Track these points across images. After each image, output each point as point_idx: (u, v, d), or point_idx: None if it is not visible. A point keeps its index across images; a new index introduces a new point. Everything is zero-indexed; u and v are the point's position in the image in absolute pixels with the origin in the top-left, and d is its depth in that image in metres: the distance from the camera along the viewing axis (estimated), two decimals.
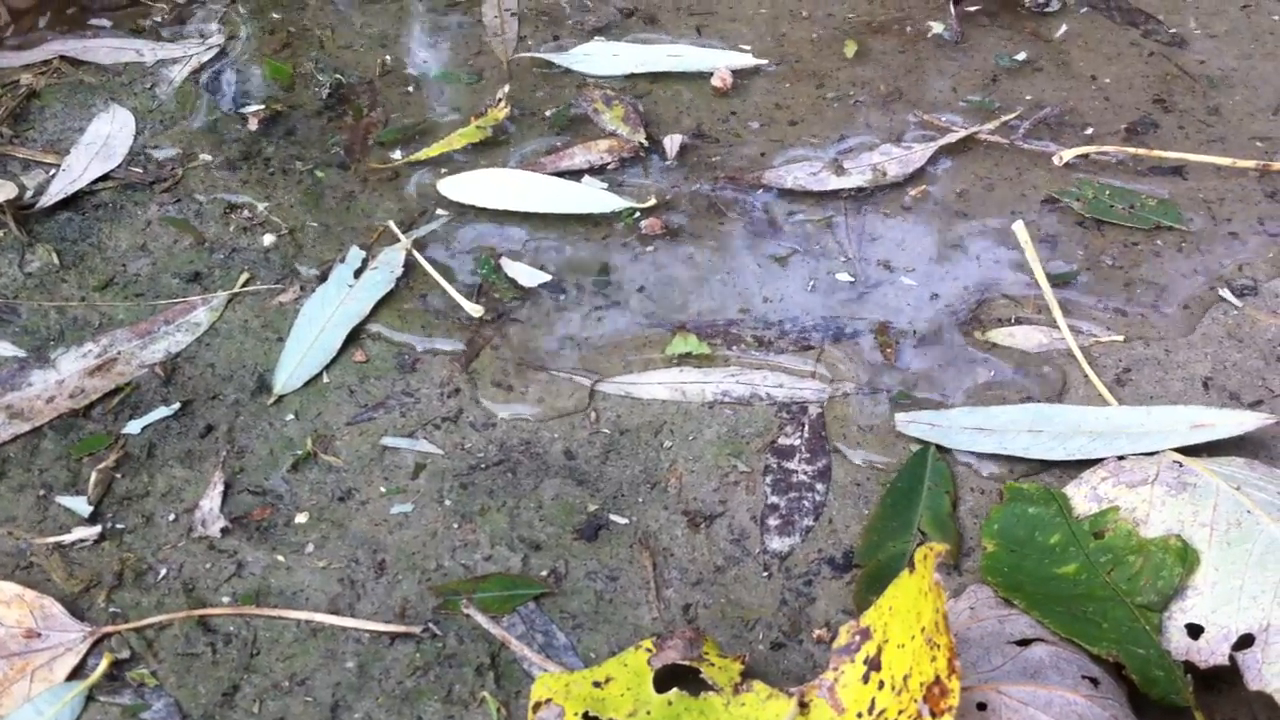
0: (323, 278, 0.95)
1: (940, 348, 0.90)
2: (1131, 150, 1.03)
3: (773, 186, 1.01)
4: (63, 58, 1.14)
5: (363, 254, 0.97)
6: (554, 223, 0.99)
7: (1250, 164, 1.02)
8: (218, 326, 0.92)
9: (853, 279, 0.94)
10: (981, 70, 1.13)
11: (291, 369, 0.89)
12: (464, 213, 1.00)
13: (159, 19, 1.20)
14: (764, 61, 1.14)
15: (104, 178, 1.03)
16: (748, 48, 1.16)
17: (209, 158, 1.06)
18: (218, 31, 1.18)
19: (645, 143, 1.05)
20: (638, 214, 0.99)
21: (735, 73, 1.13)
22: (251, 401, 0.87)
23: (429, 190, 1.02)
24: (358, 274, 0.95)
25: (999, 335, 0.90)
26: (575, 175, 1.03)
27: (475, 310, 0.92)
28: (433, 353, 0.90)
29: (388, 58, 1.16)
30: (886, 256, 0.96)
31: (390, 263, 0.96)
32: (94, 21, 1.19)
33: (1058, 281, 0.94)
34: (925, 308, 0.92)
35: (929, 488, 0.80)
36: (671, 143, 1.04)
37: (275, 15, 1.20)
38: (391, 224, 0.99)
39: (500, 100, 1.09)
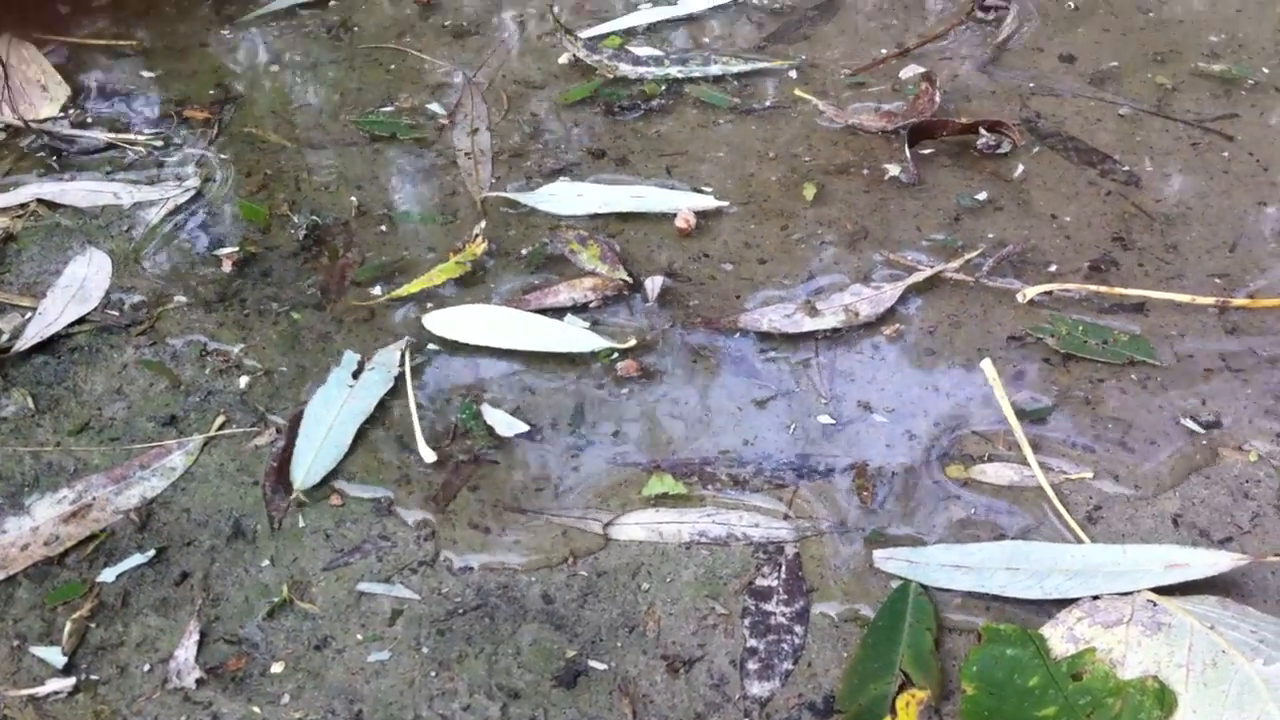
0: (296, 422, 0.95)
1: (915, 485, 0.90)
2: (1093, 288, 1.05)
3: (749, 330, 1.02)
4: (40, 201, 1.15)
5: (358, 357, 0.98)
6: (535, 360, 1.00)
7: (1209, 300, 1.04)
8: (193, 471, 0.92)
9: (828, 419, 0.95)
10: (944, 209, 1.15)
11: (308, 465, 0.90)
12: (447, 347, 1.01)
13: (136, 162, 1.21)
14: (725, 203, 1.16)
15: (80, 321, 1.03)
16: (709, 189, 1.18)
17: (185, 299, 1.06)
18: (194, 174, 1.19)
19: (627, 279, 1.06)
20: (615, 355, 1.00)
21: (699, 214, 1.15)
22: (227, 547, 0.87)
23: (412, 325, 1.03)
24: (356, 375, 0.97)
25: (972, 472, 0.91)
26: (558, 312, 1.04)
27: (429, 455, 0.92)
28: (408, 495, 0.90)
29: (363, 198, 1.17)
30: (861, 395, 0.97)
31: (387, 363, 0.98)
32: (72, 164, 1.20)
33: (1027, 417, 0.95)
34: (899, 445, 0.93)
35: (910, 624, 0.80)
36: (653, 284, 1.06)
37: (252, 157, 1.21)
38: (388, 349, 1.00)
39: (478, 236, 1.10)
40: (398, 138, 1.22)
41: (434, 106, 1.26)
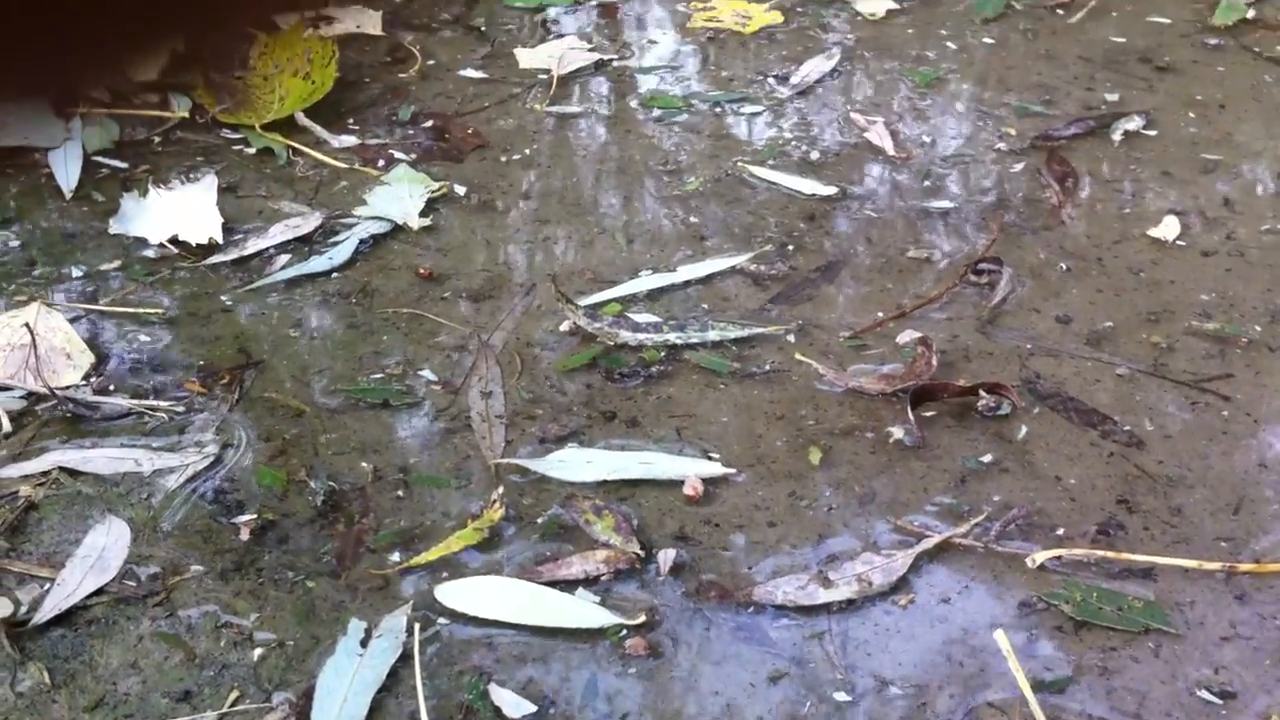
0: (308, 696, 0.95)
1: None
2: (1101, 552, 1.07)
3: (764, 604, 1.03)
4: (62, 468, 1.17)
5: (364, 625, 0.98)
6: (545, 635, 1.01)
7: (1216, 566, 1.05)
8: None
9: (844, 695, 0.95)
10: (949, 472, 1.17)
11: None
12: (458, 619, 1.02)
13: (158, 428, 1.24)
14: (732, 470, 1.18)
15: (98, 592, 1.04)
16: (716, 456, 1.20)
17: (201, 569, 1.07)
18: (214, 440, 1.22)
19: (640, 553, 1.08)
20: (624, 631, 1.01)
21: (707, 480, 1.17)
22: None
23: (426, 596, 1.04)
24: (364, 643, 0.97)
25: None
26: (570, 585, 1.05)
27: None
28: None
29: (379, 463, 1.19)
30: (876, 668, 0.98)
31: (395, 629, 0.98)
32: (94, 430, 1.23)
33: (1043, 689, 0.95)
34: (915, 719, 0.93)
35: None
36: (665, 558, 1.07)
37: (270, 422, 1.24)
38: (395, 616, 1.00)
39: (495, 502, 1.12)
40: (390, 404, 1.25)
41: (426, 373, 1.29)
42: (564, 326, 1.36)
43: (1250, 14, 1.98)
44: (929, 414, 1.24)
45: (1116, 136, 1.68)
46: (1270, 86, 1.80)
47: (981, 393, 1.24)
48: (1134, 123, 1.70)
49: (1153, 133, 1.70)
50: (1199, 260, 1.45)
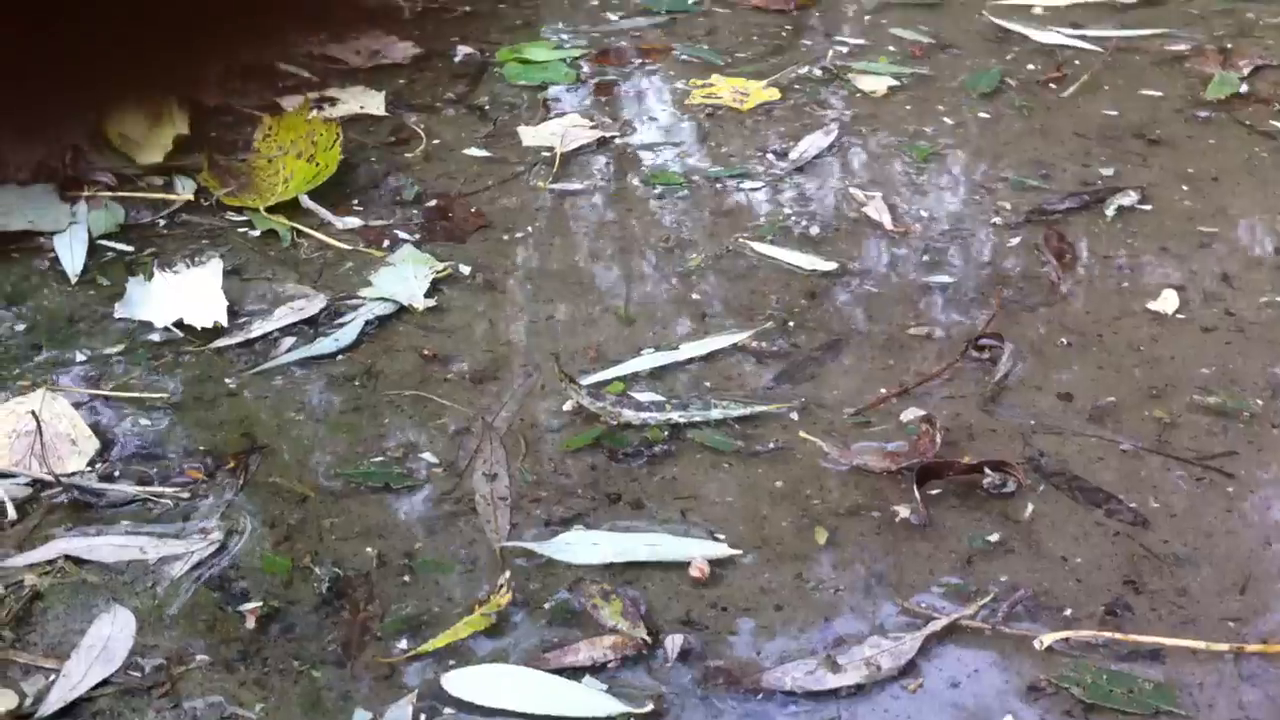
0: None
1: None
2: (1109, 634, 1.06)
3: (772, 689, 1.03)
4: (68, 557, 1.17)
5: (369, 715, 0.98)
6: None
7: (1224, 647, 1.05)
8: None
9: None
10: (955, 552, 1.17)
11: None
12: (465, 708, 1.01)
13: (163, 514, 1.23)
14: (738, 551, 1.18)
15: (103, 683, 1.04)
16: (722, 536, 1.20)
17: (206, 658, 1.07)
18: (219, 526, 1.21)
19: (647, 639, 1.07)
20: (632, 719, 1.00)
21: (713, 561, 1.17)
22: None
23: (433, 684, 1.03)
24: None
25: None
26: (577, 672, 1.05)
27: None
28: None
29: (384, 548, 1.19)
30: None
31: (401, 718, 0.98)
32: (99, 518, 1.22)
33: None
34: None
35: None
36: (672, 643, 1.07)
37: (275, 508, 1.24)
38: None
39: (502, 587, 1.12)
40: (394, 487, 1.25)
41: (430, 456, 1.29)
42: (567, 406, 1.36)
43: (1243, 89, 2.00)
44: (934, 492, 1.24)
45: (1111, 211, 1.69)
46: (1264, 160, 1.82)
47: (986, 470, 1.24)
48: (1129, 197, 1.71)
49: (1148, 207, 1.71)
50: (1199, 336, 1.45)
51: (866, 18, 2.35)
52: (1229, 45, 2.14)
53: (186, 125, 1.73)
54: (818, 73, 2.10)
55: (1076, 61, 2.13)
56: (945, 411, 1.34)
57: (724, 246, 1.65)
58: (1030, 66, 2.14)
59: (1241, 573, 1.14)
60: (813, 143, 1.91)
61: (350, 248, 1.59)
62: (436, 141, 1.88)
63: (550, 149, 1.87)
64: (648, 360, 1.43)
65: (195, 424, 1.32)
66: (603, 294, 1.56)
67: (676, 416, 1.34)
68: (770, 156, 1.87)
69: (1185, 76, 2.07)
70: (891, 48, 2.20)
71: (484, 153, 1.86)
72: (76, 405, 1.33)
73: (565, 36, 2.27)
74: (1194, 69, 2.08)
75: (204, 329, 1.43)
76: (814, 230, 1.68)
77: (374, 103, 1.93)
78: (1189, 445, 1.29)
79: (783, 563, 1.17)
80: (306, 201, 1.62)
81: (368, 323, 1.47)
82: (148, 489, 1.24)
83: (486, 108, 1.99)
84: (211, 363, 1.41)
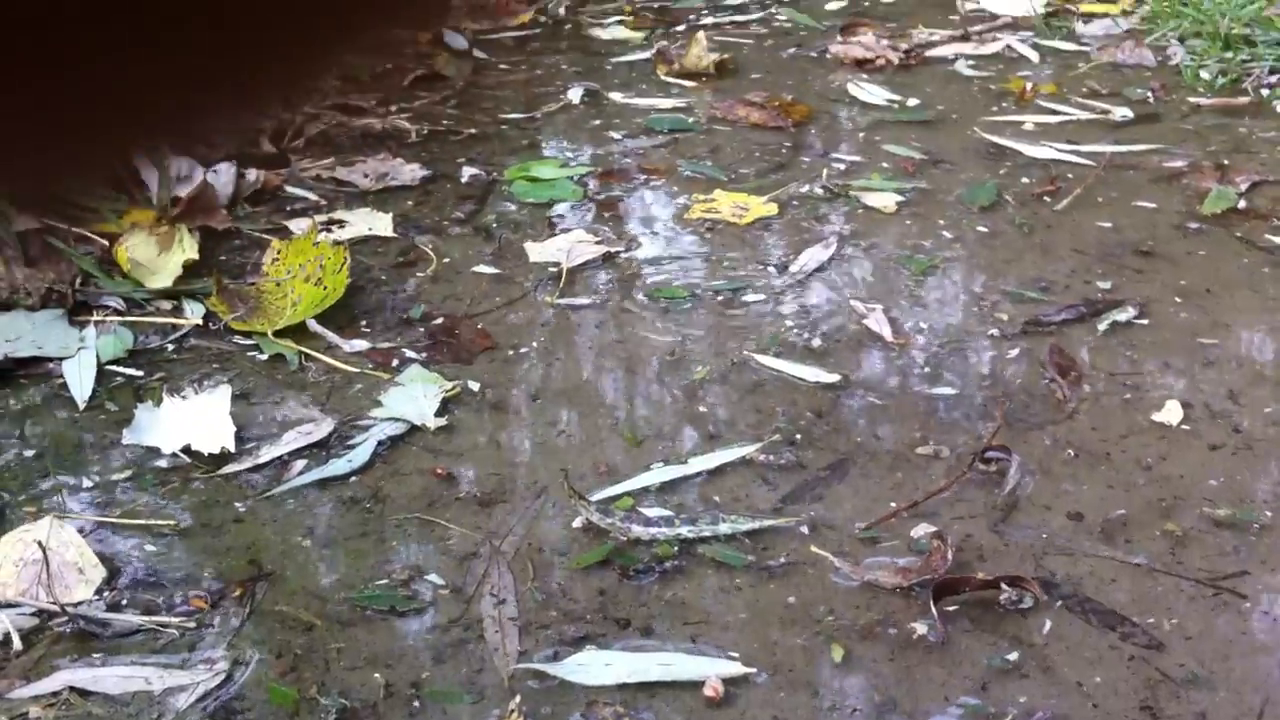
0: None
1: None
2: None
3: None
4: (72, 689, 1.14)
5: None
6: None
7: None
8: None
9: None
10: (970, 675, 1.15)
11: None
12: None
13: (169, 644, 1.21)
14: (752, 670, 1.16)
15: None
16: (736, 655, 1.18)
17: None
18: (225, 657, 1.19)
19: None
20: None
21: (727, 680, 1.14)
22: None
23: None
24: None
25: None
26: None
27: None
28: None
29: (391, 677, 1.16)
30: None
31: None
32: (104, 648, 1.20)
33: None
34: None
35: None
36: None
37: (282, 637, 1.21)
38: None
39: (513, 712, 1.09)
40: (401, 612, 1.23)
41: (437, 578, 1.27)
42: (577, 523, 1.35)
43: (1241, 204, 2.01)
44: (950, 608, 1.22)
45: (1106, 325, 1.68)
46: (1264, 275, 1.81)
47: (1003, 585, 1.22)
48: (1127, 312, 1.71)
49: (1145, 321, 1.70)
50: (1206, 454, 1.44)
51: (861, 134, 2.37)
52: (1225, 161, 2.15)
53: (196, 250, 1.73)
54: (818, 191, 2.11)
55: (1070, 175, 2.15)
56: (956, 531, 1.32)
57: (728, 360, 1.65)
58: (1025, 180, 2.15)
59: (1259, 695, 1.11)
60: (812, 256, 1.91)
61: (358, 370, 1.58)
62: (445, 261, 1.88)
63: (557, 264, 1.87)
64: (656, 475, 1.42)
65: (202, 551, 1.30)
66: (610, 409, 1.55)
67: (686, 532, 1.33)
68: (771, 270, 1.88)
69: (1181, 191, 2.08)
70: (886, 164, 2.22)
71: (491, 270, 1.86)
72: (84, 532, 1.31)
73: (570, 155, 2.29)
74: (1190, 184, 2.09)
75: (211, 454, 1.42)
76: (816, 342, 1.68)
77: (382, 224, 1.94)
78: (1201, 566, 1.27)
79: (797, 683, 1.14)
80: (314, 325, 1.62)
81: (380, 443, 1.45)
82: (153, 618, 1.22)
83: (494, 226, 2.00)
84: (219, 488, 1.39)
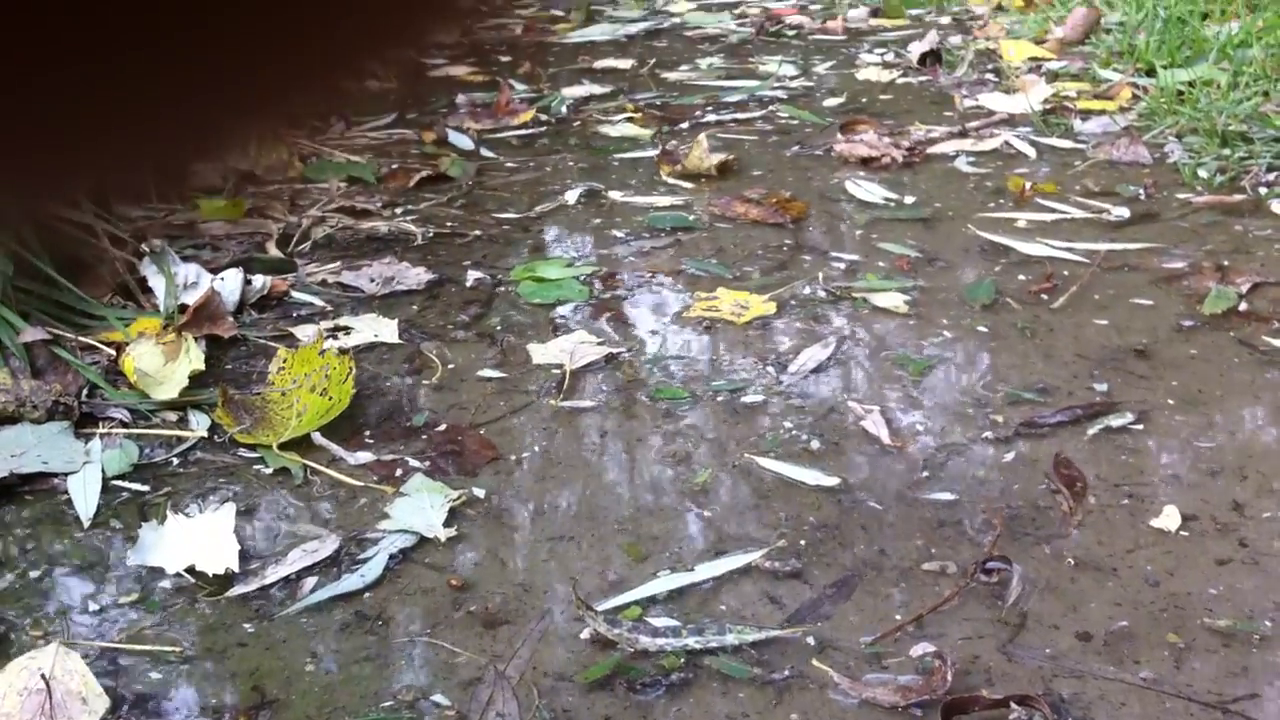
0: None
1: None
2: None
3: None
4: None
5: None
6: None
7: None
8: None
9: None
10: None
11: None
12: None
13: None
14: None
15: None
16: None
17: None
18: None
19: None
20: None
21: None
22: None
23: None
24: None
25: None
26: None
27: None
28: None
29: None
30: None
31: None
32: None
33: None
34: None
35: None
36: None
37: None
38: None
39: None
40: None
41: (439, 698, 1.24)
42: (584, 634, 1.32)
43: (1242, 306, 1.99)
44: None
45: (1100, 429, 1.66)
46: (1266, 379, 1.79)
47: (1012, 705, 1.19)
48: (1125, 417, 1.68)
49: (1140, 426, 1.68)
50: (1213, 568, 1.41)
51: (858, 232, 2.36)
52: (1225, 262, 2.13)
53: (202, 361, 1.71)
54: (821, 293, 2.09)
55: (1065, 273, 2.14)
56: (963, 650, 1.29)
57: (730, 462, 1.63)
58: (1021, 277, 2.14)
59: None
60: (811, 355, 1.90)
61: (362, 484, 1.55)
62: (451, 367, 1.86)
63: (560, 366, 1.85)
64: (663, 583, 1.40)
65: (205, 678, 1.27)
66: (616, 516, 1.52)
67: (693, 642, 1.30)
68: (770, 369, 1.86)
69: (1180, 291, 2.06)
70: (882, 263, 2.21)
71: (496, 373, 1.85)
72: (89, 658, 1.28)
73: (575, 254, 2.28)
74: (1189, 284, 2.07)
75: (216, 575, 1.39)
76: (815, 445, 1.66)
77: (387, 330, 1.92)
78: (1210, 685, 1.24)
79: None
80: (319, 439, 1.59)
81: (391, 556, 1.43)
82: None
83: (498, 329, 1.98)
84: (225, 610, 1.36)
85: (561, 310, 2.06)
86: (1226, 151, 2.57)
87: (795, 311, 2.04)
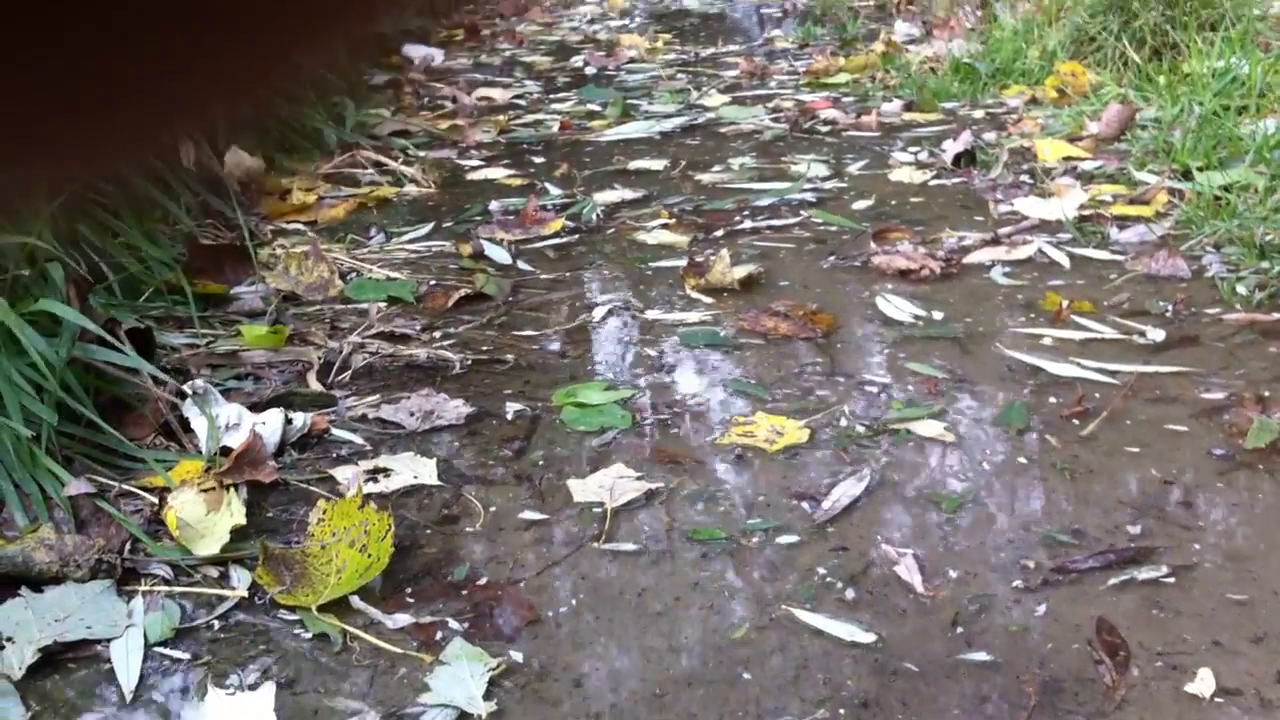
0: None
1: None
2: None
3: None
4: None
5: None
6: None
7: None
8: None
9: None
10: None
11: None
12: None
13: None
14: None
15: None
16: None
17: None
18: None
19: None
20: None
21: None
22: None
23: None
24: None
25: None
26: None
27: None
28: None
29: None
30: None
31: None
32: None
33: None
34: None
35: None
36: None
37: None
38: None
39: None
40: None
41: None
42: None
43: None
44: None
45: (1131, 580, 1.61)
46: None
47: None
48: (1161, 569, 1.63)
49: (1174, 580, 1.62)
50: None
51: (886, 350, 2.33)
52: (1266, 393, 2.06)
53: (243, 515, 1.69)
54: (859, 428, 2.05)
55: (1097, 395, 2.09)
56: None
57: (766, 615, 1.59)
58: (1052, 400, 2.10)
59: None
60: (845, 491, 1.87)
61: (401, 651, 1.52)
62: (492, 509, 1.83)
63: (600, 504, 1.82)
64: None
65: None
66: (656, 679, 1.48)
67: None
68: (805, 506, 1.83)
69: (1219, 422, 2.00)
70: (911, 386, 2.17)
71: (536, 514, 1.81)
72: None
73: (613, 376, 2.26)
74: (1229, 416, 2.00)
75: None
76: (850, 594, 1.62)
77: (426, 471, 1.89)
78: None
79: None
80: (357, 602, 1.56)
81: None
82: None
83: (540, 463, 1.96)
84: None
85: (602, 439, 2.02)
86: (1265, 264, 2.51)
87: (827, 438, 2.00)
